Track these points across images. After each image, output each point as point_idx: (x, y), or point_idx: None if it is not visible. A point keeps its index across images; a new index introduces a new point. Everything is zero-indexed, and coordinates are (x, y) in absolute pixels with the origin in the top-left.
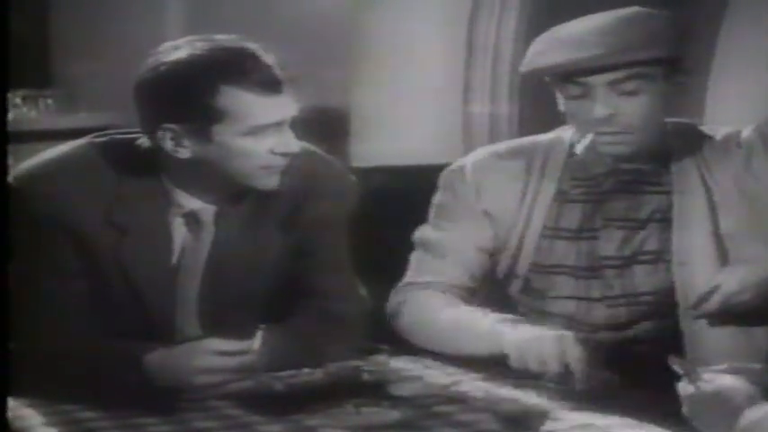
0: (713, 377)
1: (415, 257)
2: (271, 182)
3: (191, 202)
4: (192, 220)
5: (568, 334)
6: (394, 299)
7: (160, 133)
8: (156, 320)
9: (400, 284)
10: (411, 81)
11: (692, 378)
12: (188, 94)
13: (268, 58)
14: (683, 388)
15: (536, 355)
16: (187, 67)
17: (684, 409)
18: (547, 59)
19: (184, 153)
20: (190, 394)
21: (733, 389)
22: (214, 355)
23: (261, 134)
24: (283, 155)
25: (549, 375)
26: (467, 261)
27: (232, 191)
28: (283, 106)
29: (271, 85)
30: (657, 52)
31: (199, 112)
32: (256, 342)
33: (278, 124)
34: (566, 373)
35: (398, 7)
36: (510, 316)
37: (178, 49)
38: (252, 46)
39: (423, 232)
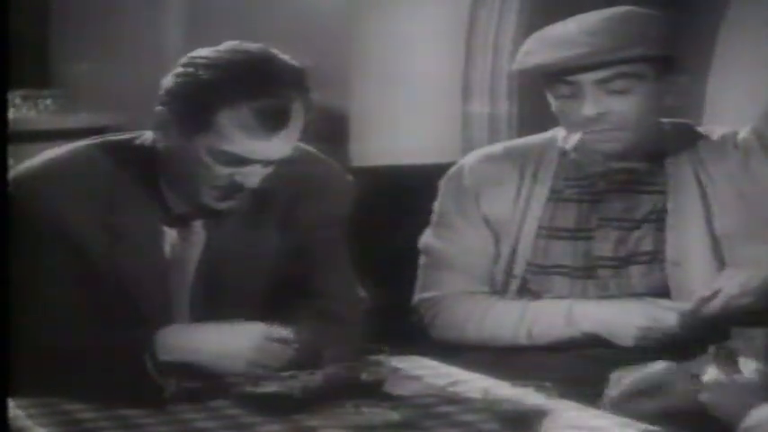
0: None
1: (422, 268)
2: (219, 204)
3: (181, 206)
4: (182, 223)
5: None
6: (423, 313)
7: (161, 108)
8: (152, 324)
9: (419, 300)
10: (411, 81)
11: (728, 369)
12: (201, 97)
13: (291, 87)
14: (710, 373)
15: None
16: (214, 71)
17: (704, 396)
18: (536, 59)
19: (164, 142)
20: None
21: (756, 383)
22: (272, 342)
23: (227, 160)
24: (239, 186)
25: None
26: (475, 269)
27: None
28: (269, 148)
29: (271, 121)
30: (644, 50)
31: (196, 115)
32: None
33: (252, 161)
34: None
35: (398, 7)
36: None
37: (221, 49)
38: (281, 67)
39: (427, 241)
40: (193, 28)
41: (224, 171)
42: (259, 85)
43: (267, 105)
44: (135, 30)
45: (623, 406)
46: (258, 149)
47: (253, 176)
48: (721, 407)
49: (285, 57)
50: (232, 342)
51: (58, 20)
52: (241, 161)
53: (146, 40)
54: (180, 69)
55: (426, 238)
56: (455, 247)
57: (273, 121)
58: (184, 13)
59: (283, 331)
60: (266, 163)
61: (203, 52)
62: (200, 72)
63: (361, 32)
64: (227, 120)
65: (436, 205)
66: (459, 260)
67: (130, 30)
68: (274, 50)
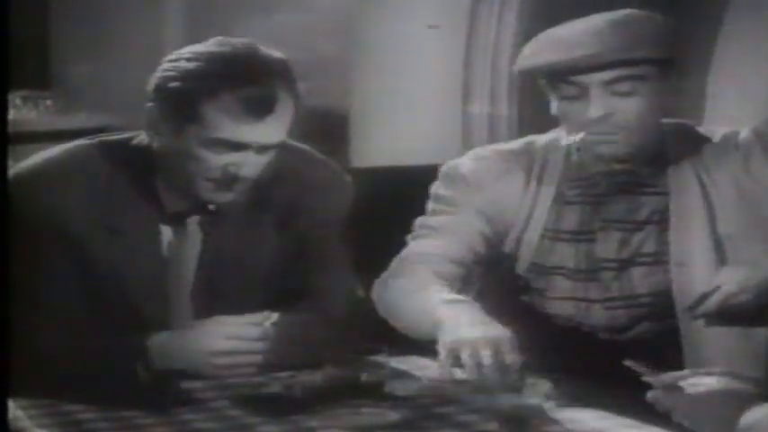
0: (697, 380)
1: (411, 237)
2: (217, 197)
3: (176, 205)
4: (178, 222)
5: (505, 336)
6: (385, 273)
7: (150, 105)
8: (150, 322)
9: (395, 259)
10: (411, 81)
11: (672, 388)
12: (185, 89)
13: (275, 76)
14: (664, 398)
15: (470, 358)
16: (198, 63)
17: (674, 417)
18: (541, 59)
19: (157, 140)
20: (197, 377)
21: (726, 390)
22: (225, 339)
23: (219, 148)
24: (234, 176)
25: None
26: (468, 239)
27: (202, 200)
28: (259, 132)
29: (256, 107)
30: (651, 53)
31: (183, 107)
32: (270, 320)
33: (243, 146)
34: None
35: (398, 8)
36: (455, 296)
37: (205, 44)
38: (265, 58)
39: (422, 220)
40: (193, 28)
41: (217, 162)
42: (241, 74)
43: (251, 93)
44: (135, 30)
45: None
46: (247, 134)
47: (247, 166)
48: (696, 422)
49: (268, 49)
50: (196, 345)
51: (57, 20)
52: (232, 146)
53: (145, 40)
54: (165, 65)
55: (419, 220)
56: (449, 220)
57: (259, 107)
58: (184, 13)
59: (244, 325)
60: (258, 149)
61: (188, 48)
62: (184, 65)
63: (362, 33)
64: (214, 109)
65: (433, 190)
66: (450, 229)
67: (130, 30)
68: (258, 44)
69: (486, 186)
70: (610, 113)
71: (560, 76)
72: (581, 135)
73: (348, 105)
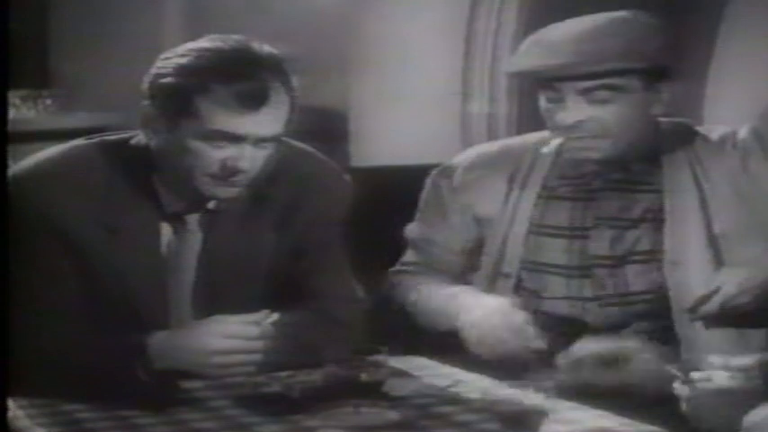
0: (709, 375)
1: (405, 256)
2: (221, 192)
3: (175, 204)
4: (177, 221)
5: (519, 314)
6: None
7: (145, 104)
8: (149, 322)
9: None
10: (410, 81)
11: (687, 379)
12: (179, 84)
13: (268, 70)
14: (680, 388)
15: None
16: (191, 58)
17: (683, 408)
18: (525, 63)
19: (154, 139)
20: (197, 377)
21: (732, 388)
22: (224, 338)
23: (215, 141)
24: (232, 170)
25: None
26: (451, 263)
27: (204, 196)
28: (254, 124)
29: (250, 99)
30: (631, 64)
31: (178, 102)
32: (269, 320)
33: (240, 138)
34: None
35: (397, 8)
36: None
37: (198, 41)
38: (258, 52)
39: (410, 232)
40: (193, 27)
41: (215, 156)
42: (234, 68)
43: (244, 86)
44: (134, 29)
45: (576, 374)
46: (242, 125)
47: (244, 160)
48: (704, 418)
49: (263, 45)
50: (195, 344)
51: (57, 19)
52: (228, 138)
53: (145, 40)
54: (159, 63)
55: (408, 230)
56: (432, 239)
57: (252, 99)
58: (183, 13)
59: (242, 325)
60: (255, 141)
61: (181, 46)
62: (177, 61)
63: (361, 33)
64: (208, 102)
65: (423, 195)
66: (438, 257)
67: (130, 30)
68: (251, 40)
69: (475, 187)
70: (584, 120)
71: (543, 80)
72: (557, 141)
73: (348, 105)
